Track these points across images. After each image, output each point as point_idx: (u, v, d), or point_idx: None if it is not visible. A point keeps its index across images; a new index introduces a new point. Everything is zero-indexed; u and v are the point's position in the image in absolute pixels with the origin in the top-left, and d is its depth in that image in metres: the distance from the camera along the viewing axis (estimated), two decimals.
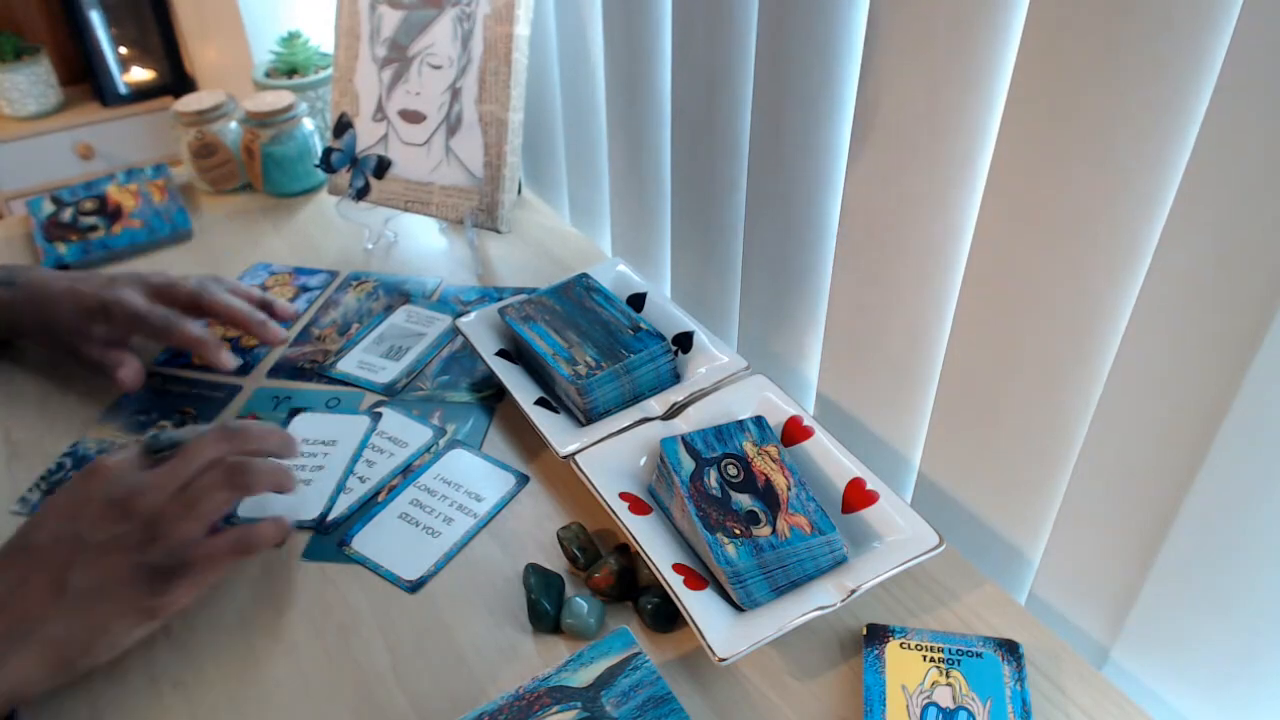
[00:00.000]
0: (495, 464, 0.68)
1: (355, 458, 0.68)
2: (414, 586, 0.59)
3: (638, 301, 0.77)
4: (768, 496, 0.57)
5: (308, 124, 1.03)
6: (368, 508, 0.64)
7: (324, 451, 0.69)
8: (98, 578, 0.50)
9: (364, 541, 0.62)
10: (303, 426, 0.71)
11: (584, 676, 0.49)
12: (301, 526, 0.63)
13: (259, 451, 0.58)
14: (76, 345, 0.73)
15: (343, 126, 0.93)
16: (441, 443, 0.69)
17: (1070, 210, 0.50)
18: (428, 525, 0.63)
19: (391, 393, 0.75)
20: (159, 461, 0.56)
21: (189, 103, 1.02)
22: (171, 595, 0.52)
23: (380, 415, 0.72)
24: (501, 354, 0.73)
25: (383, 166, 0.91)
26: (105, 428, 0.72)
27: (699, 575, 0.55)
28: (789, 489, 0.57)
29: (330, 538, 0.62)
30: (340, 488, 0.65)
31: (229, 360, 0.71)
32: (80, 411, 0.73)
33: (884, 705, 0.50)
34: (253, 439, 0.58)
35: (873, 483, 0.59)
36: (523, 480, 0.66)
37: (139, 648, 0.54)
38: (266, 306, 0.77)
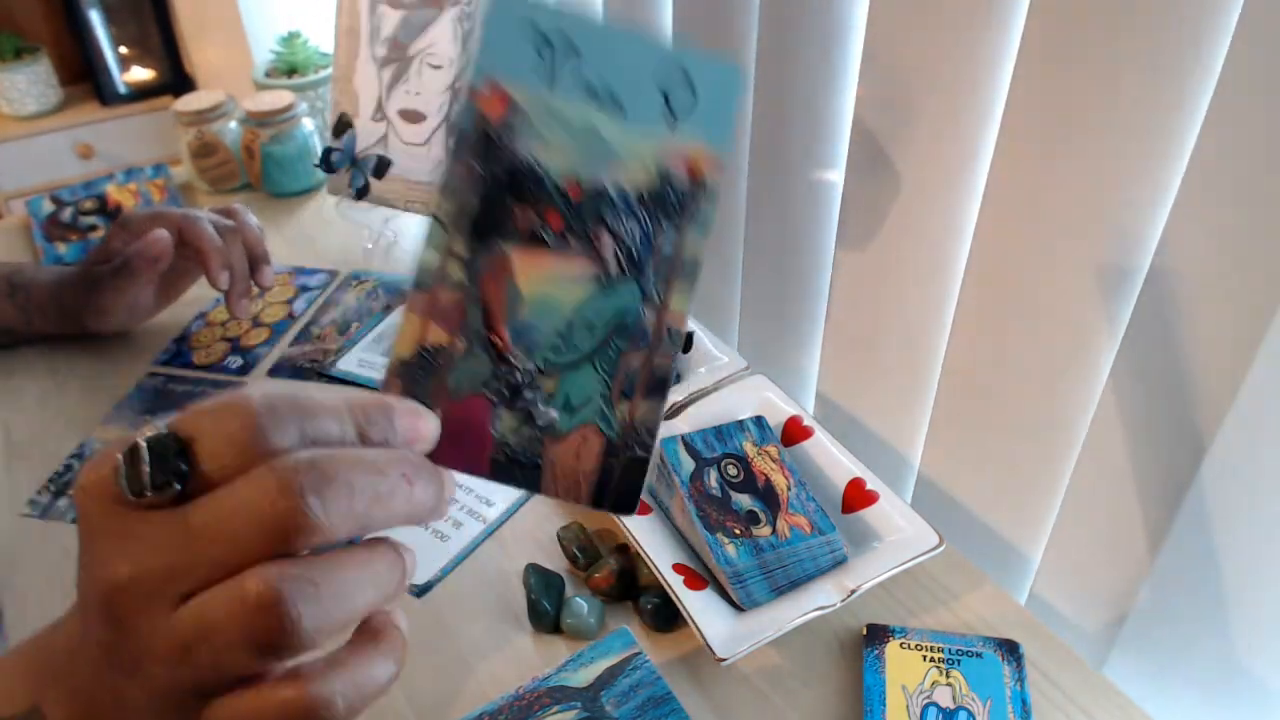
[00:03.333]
0: None
1: None
2: (421, 591, 0.59)
3: None
4: (768, 496, 0.57)
5: (307, 124, 1.03)
6: None
7: None
8: None
9: None
10: None
11: (584, 676, 0.49)
12: None
13: None
14: (100, 259, 0.74)
15: (342, 126, 0.93)
16: None
17: (1070, 210, 0.50)
18: (436, 528, 0.63)
19: None
20: None
21: (189, 102, 1.02)
22: None
23: None
24: None
25: (382, 166, 0.91)
26: (111, 428, 0.72)
27: (699, 575, 0.55)
28: (789, 489, 0.57)
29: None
30: None
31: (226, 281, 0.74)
32: (80, 411, 0.73)
33: (884, 705, 0.50)
34: None
35: (873, 483, 0.59)
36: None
37: None
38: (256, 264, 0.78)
